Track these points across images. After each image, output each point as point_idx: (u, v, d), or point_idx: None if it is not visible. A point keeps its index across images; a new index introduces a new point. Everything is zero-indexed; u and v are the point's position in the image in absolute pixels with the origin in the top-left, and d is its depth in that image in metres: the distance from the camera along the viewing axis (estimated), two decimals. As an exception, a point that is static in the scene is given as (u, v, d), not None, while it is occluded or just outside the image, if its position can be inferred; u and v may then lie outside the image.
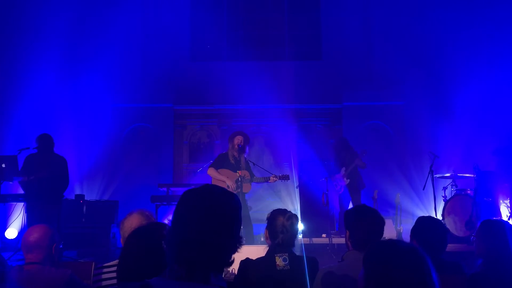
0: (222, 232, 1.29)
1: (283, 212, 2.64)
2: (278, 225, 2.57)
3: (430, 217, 2.68)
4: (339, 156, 6.91)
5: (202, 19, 9.62)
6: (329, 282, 2.20)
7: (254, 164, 6.07)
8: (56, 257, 2.55)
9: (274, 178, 5.75)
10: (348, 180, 6.76)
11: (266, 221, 2.65)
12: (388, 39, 9.07)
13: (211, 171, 5.81)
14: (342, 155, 6.89)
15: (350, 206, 6.77)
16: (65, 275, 2.38)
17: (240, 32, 9.66)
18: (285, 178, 5.84)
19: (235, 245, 1.33)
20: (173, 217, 1.32)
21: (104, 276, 2.09)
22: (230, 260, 1.33)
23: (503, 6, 8.37)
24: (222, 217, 1.30)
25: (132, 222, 2.28)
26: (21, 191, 5.55)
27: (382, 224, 2.30)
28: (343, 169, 6.79)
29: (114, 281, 2.05)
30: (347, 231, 2.34)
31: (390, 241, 1.38)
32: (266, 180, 5.79)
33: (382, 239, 2.28)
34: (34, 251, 2.46)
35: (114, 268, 2.11)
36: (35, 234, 2.51)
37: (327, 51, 9.48)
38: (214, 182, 5.79)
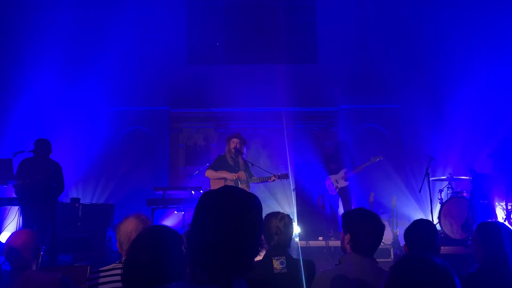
0: (245, 235, 1.26)
1: (276, 214, 2.65)
2: (272, 227, 2.58)
3: (421, 220, 2.68)
4: (334, 159, 6.92)
5: (198, 23, 9.62)
6: (327, 285, 2.19)
7: (253, 165, 6.11)
8: (45, 261, 2.54)
9: (274, 178, 5.79)
10: (347, 182, 6.77)
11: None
12: (383, 42, 9.10)
13: (209, 173, 5.85)
14: (336, 158, 6.92)
15: (340, 208, 6.79)
16: (55, 279, 2.37)
17: (236, 35, 9.66)
18: (284, 177, 5.89)
19: (257, 248, 1.30)
20: (192, 220, 1.29)
21: (100, 280, 2.07)
22: (253, 264, 1.30)
23: (499, 11, 8.42)
24: (245, 220, 1.26)
25: (128, 226, 2.27)
26: (15, 195, 5.51)
27: (382, 228, 2.30)
28: (358, 167, 6.77)
29: (110, 285, 2.04)
30: (347, 234, 2.31)
31: (424, 256, 1.33)
32: (266, 180, 5.84)
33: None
34: (20, 255, 2.45)
35: (110, 273, 2.10)
36: (20, 239, 2.50)
37: (323, 54, 9.49)
38: (212, 183, 5.80)
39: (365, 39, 9.29)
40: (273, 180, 5.86)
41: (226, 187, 1.36)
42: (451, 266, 1.28)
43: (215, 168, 5.86)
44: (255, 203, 1.33)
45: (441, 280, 1.24)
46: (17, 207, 5.49)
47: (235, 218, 1.25)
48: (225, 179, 5.75)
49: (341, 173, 6.79)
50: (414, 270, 1.28)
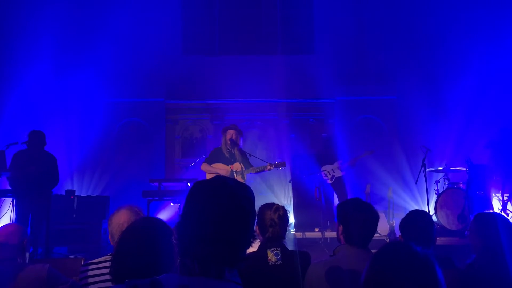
0: (237, 226, 1.23)
1: (270, 205, 2.61)
2: (267, 219, 2.55)
3: (417, 211, 2.65)
4: (328, 151, 6.93)
5: (193, 13, 9.53)
6: (321, 276, 2.18)
7: (250, 155, 6.07)
8: (41, 253, 2.53)
9: (270, 167, 5.77)
10: (343, 172, 6.77)
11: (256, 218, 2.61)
12: (380, 33, 9.05)
13: (205, 166, 5.84)
14: (329, 150, 6.93)
15: (335, 199, 6.79)
16: (43, 270, 2.36)
17: (232, 25, 9.57)
18: (281, 165, 5.86)
19: (250, 239, 1.27)
20: (183, 211, 1.26)
21: (90, 273, 2.04)
22: (245, 255, 1.27)
23: (497, 1, 8.39)
24: (237, 210, 1.23)
25: (120, 218, 2.24)
26: (9, 187, 5.47)
27: (377, 219, 2.27)
28: (352, 159, 6.79)
29: (101, 278, 2.02)
30: (340, 225, 2.30)
31: (405, 244, 1.31)
32: (262, 169, 5.81)
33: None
34: (4, 249, 2.44)
35: (101, 265, 2.07)
36: (3, 233, 2.51)
37: (320, 45, 9.44)
38: (208, 177, 5.77)
39: (362, 30, 9.24)
40: (269, 169, 5.83)
41: (217, 177, 1.33)
42: (433, 255, 1.27)
43: (211, 161, 5.84)
44: (247, 193, 1.29)
45: (421, 268, 1.23)
46: (11, 199, 5.45)
47: (226, 208, 1.22)
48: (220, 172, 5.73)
49: (336, 164, 6.78)
50: (394, 257, 1.27)
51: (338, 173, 6.78)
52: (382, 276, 1.24)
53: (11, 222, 5.30)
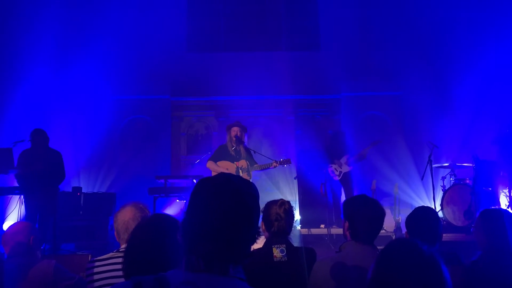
0: (242, 223, 1.23)
1: (276, 201, 2.62)
2: (272, 213, 2.55)
3: (423, 207, 2.64)
4: (335, 147, 6.91)
5: (198, 10, 9.52)
6: (326, 273, 2.18)
7: (255, 152, 6.06)
8: (48, 249, 2.57)
9: (276, 164, 5.75)
10: (351, 167, 6.76)
11: (262, 214, 2.62)
12: (386, 29, 8.98)
13: (210, 164, 5.83)
14: (337, 146, 6.91)
15: (343, 195, 6.78)
16: (50, 266, 2.39)
17: (237, 22, 9.55)
18: (286, 162, 5.83)
19: (254, 236, 1.28)
20: (187, 208, 1.27)
21: (96, 269, 2.06)
22: (249, 252, 1.28)
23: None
24: (241, 207, 1.24)
25: (125, 215, 2.24)
26: (17, 184, 5.51)
27: (382, 215, 2.26)
28: (360, 153, 6.78)
29: (107, 274, 2.03)
30: (346, 222, 2.30)
31: (410, 242, 1.32)
32: (268, 167, 5.80)
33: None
34: (16, 246, 2.47)
35: (107, 262, 2.09)
36: (15, 230, 2.57)
37: (325, 41, 9.40)
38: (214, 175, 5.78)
39: (368, 26, 9.18)
40: (275, 167, 5.81)
41: (222, 174, 1.33)
42: (438, 253, 1.27)
43: (216, 158, 5.83)
44: (251, 190, 1.29)
45: (426, 267, 1.23)
46: (18, 196, 5.50)
47: (229, 205, 1.22)
48: (226, 169, 5.72)
49: (344, 159, 6.77)
50: (400, 256, 1.28)
51: (345, 169, 6.77)
52: (389, 274, 1.25)
53: (19, 218, 5.37)
